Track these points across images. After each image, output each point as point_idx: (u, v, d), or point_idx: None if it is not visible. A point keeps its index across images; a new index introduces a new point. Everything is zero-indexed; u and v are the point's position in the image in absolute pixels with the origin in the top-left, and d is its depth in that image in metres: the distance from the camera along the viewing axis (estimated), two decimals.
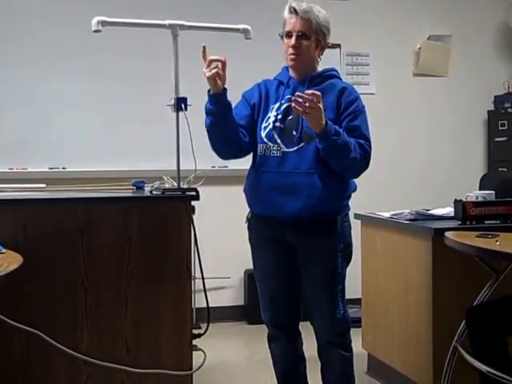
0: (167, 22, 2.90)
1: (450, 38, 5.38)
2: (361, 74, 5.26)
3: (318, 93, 2.46)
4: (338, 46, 5.11)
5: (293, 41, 2.65)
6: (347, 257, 2.73)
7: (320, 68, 2.77)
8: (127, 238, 2.77)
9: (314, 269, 2.68)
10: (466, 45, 5.43)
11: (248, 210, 2.82)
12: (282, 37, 2.71)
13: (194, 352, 2.87)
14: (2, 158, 4.47)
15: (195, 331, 2.90)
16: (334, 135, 2.50)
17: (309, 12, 2.64)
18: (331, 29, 2.72)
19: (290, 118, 2.66)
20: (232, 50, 4.62)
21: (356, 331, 2.99)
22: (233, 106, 2.68)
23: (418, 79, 5.39)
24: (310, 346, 2.94)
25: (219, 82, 2.54)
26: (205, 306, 2.97)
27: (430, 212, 3.36)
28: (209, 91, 2.59)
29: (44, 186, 3.20)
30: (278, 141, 2.66)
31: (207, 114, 2.64)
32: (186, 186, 2.86)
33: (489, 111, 5.51)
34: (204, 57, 2.52)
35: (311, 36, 2.65)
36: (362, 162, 2.61)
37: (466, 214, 3.07)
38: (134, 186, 3.17)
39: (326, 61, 2.83)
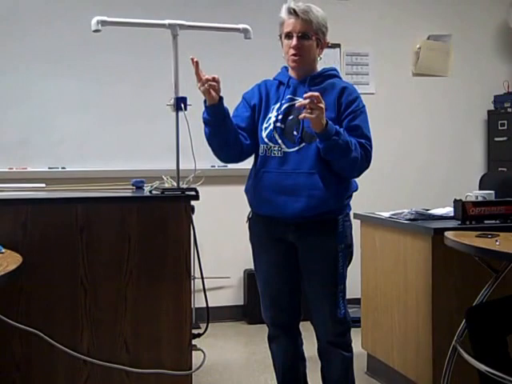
0: (167, 21, 2.90)
1: (449, 38, 5.38)
2: (360, 74, 5.25)
3: (317, 93, 2.46)
4: (338, 45, 5.11)
5: (294, 41, 2.63)
6: (348, 257, 2.73)
7: (320, 68, 2.77)
8: (127, 238, 2.77)
9: (315, 269, 2.68)
10: (466, 45, 5.42)
11: (248, 209, 2.82)
12: (280, 38, 2.71)
13: (193, 352, 2.86)
14: (1, 158, 4.47)
15: (195, 331, 2.90)
16: (334, 135, 2.50)
17: (308, 12, 2.64)
18: (331, 28, 2.72)
19: (291, 118, 2.66)
20: (232, 49, 4.70)
21: (355, 331, 2.99)
22: (231, 108, 2.68)
23: (417, 79, 5.38)
24: (310, 345, 2.94)
25: (214, 93, 2.53)
26: (204, 305, 2.96)
27: (429, 212, 3.36)
28: (205, 101, 2.58)
29: (44, 185, 3.20)
30: (279, 141, 2.66)
31: (205, 124, 2.64)
32: (185, 186, 2.86)
33: (489, 111, 5.50)
34: (197, 72, 2.51)
35: (312, 36, 2.65)
36: (363, 162, 2.61)
37: (466, 213, 3.07)
38: (133, 185, 3.17)
39: (326, 61, 2.83)
